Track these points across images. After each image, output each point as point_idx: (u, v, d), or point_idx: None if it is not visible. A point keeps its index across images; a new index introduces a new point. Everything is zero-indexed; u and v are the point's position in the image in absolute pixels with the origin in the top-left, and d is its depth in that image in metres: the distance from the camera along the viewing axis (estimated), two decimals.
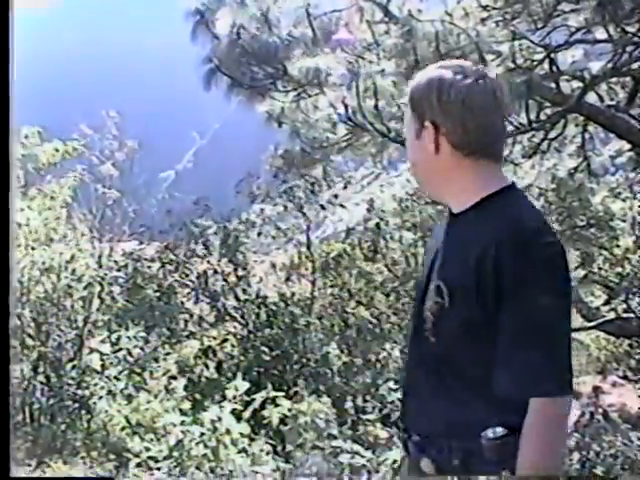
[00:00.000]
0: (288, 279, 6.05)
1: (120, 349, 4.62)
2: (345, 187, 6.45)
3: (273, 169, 6.28)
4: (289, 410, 3.47)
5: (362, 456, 3.04)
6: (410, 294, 5.24)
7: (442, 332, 1.20)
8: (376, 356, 4.97)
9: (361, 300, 5.78)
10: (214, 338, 5.22)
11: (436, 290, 1.20)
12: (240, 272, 5.71)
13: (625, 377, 7.13)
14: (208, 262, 5.69)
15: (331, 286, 6.02)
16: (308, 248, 6.26)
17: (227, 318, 5.57)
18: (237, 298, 5.66)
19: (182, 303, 5.59)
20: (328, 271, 6.07)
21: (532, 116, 4.18)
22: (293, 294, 5.84)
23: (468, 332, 1.16)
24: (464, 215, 1.25)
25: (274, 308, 5.54)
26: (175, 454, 3.13)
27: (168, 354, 4.96)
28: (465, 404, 1.18)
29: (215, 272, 5.67)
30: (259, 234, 6.24)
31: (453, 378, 1.19)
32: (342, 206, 6.55)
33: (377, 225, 5.94)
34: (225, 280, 5.65)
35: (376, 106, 4.18)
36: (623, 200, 6.33)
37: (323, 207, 6.35)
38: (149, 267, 5.65)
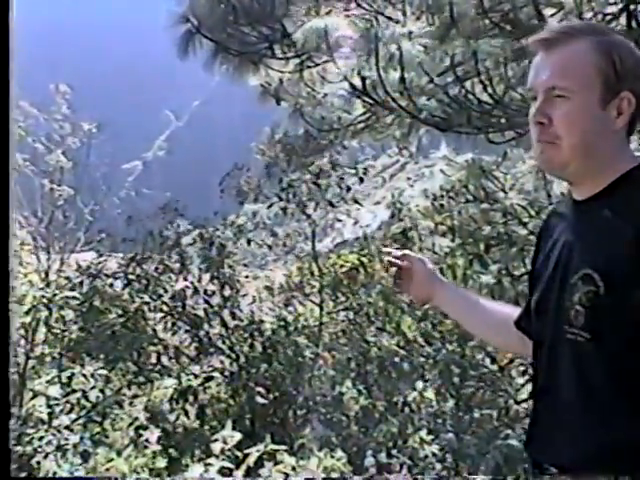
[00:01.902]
0: (289, 300, 6.10)
1: (73, 391, 4.63)
2: (362, 181, 6.48)
3: (269, 159, 6.35)
4: (293, 469, 3.48)
5: None
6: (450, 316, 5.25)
7: (601, 324, 1.26)
8: (404, 398, 4.97)
9: (384, 326, 5.77)
10: (195, 376, 5.22)
11: (585, 279, 1.28)
12: (227, 291, 5.74)
13: None
14: (186, 279, 5.73)
15: (345, 309, 6.04)
16: (315, 260, 6.32)
17: (212, 350, 5.61)
18: (224, 325, 5.70)
19: (154, 331, 5.63)
20: (340, 289, 6.09)
21: None
22: (296, 319, 5.89)
23: (635, 324, 1.22)
24: (602, 196, 1.38)
25: (272, 337, 5.58)
26: None
27: (136, 397, 4.98)
28: (632, 426, 1.21)
29: (195, 292, 5.71)
30: (250, 242, 6.31)
31: (615, 389, 1.23)
32: (357, 203, 6.62)
33: (403, 231, 5.98)
34: (208, 302, 5.68)
35: (402, 78, 4.19)
36: None
37: (332, 204, 6.44)
38: (111, 285, 5.68)
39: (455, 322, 5.27)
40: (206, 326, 5.68)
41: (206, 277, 5.77)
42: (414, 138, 5.28)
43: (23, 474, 3.99)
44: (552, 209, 1.66)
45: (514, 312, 1.71)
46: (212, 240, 5.87)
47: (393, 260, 1.87)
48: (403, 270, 1.88)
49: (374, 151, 7.28)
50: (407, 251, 1.98)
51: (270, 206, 6.44)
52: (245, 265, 6.31)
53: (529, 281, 1.58)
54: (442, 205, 5.74)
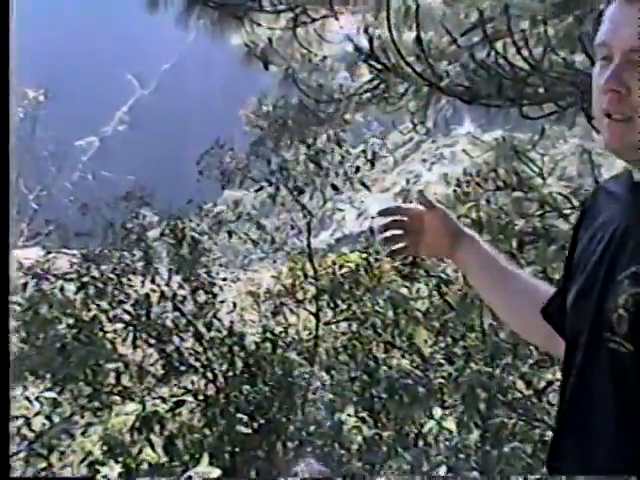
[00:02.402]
0: (278, 308, 6.10)
1: (15, 418, 4.62)
2: (371, 163, 6.51)
3: (255, 135, 6.34)
4: None
5: None
6: (475, 328, 5.26)
7: None
8: (418, 429, 4.97)
9: (394, 340, 5.77)
10: (163, 400, 5.22)
11: (634, 278, 1.27)
12: (202, 297, 5.75)
13: None
14: (152, 281, 5.73)
15: (346, 319, 6.02)
16: (310, 259, 6.30)
17: (183, 369, 5.60)
18: (198, 338, 5.69)
19: (112, 345, 5.60)
20: (341, 295, 6.08)
21: None
22: (286, 331, 5.87)
23: None
24: None
25: (257, 353, 5.57)
26: None
27: (90, 425, 4.97)
28: None
29: (163, 297, 5.69)
30: (231, 236, 6.31)
31: None
32: (364, 186, 6.63)
33: None
34: (179, 310, 5.67)
35: (418, 38, 4.17)
36: None
37: (336, 188, 6.47)
38: (61, 289, 5.65)
39: (480, 336, 5.33)
40: (176, 339, 5.68)
41: (177, 279, 5.76)
42: (432, 111, 5.25)
43: None
44: (600, 185, 1.62)
45: (548, 292, 1.68)
46: (184, 234, 5.84)
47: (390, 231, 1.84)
48: (408, 227, 1.83)
49: (383, 127, 7.28)
50: (411, 205, 1.92)
51: (258, 191, 6.44)
52: (224, 266, 6.28)
53: (565, 269, 1.55)
54: (466, 194, 5.73)
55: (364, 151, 6.49)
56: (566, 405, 1.44)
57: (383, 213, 1.87)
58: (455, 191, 5.86)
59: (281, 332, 5.84)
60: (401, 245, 1.86)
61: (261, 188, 6.44)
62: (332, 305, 6.15)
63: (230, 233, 6.37)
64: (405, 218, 1.85)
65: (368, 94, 5.14)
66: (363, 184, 6.64)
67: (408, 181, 6.73)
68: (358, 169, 6.51)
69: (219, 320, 5.76)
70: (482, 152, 6.11)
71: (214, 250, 6.19)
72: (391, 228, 1.86)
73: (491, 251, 1.84)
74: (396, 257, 1.92)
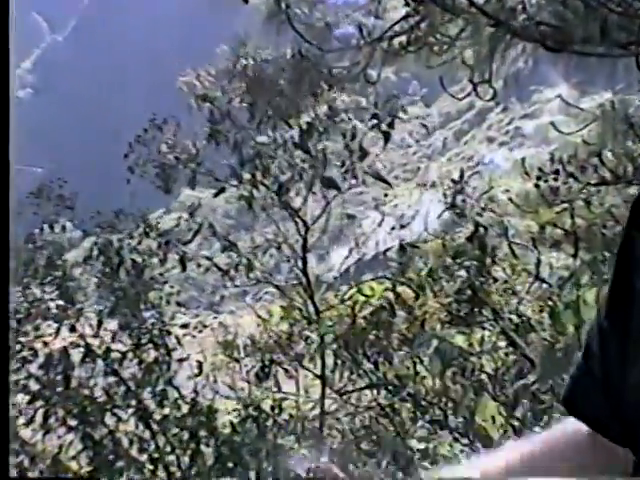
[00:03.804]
0: (266, 369, 6.08)
1: None
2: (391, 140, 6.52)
3: (219, 104, 6.45)
4: None
5: None
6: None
7: None
8: None
9: (444, 420, 5.85)
10: None
11: None
12: (151, 354, 5.80)
13: None
14: (72, 330, 5.74)
15: (369, 386, 6.11)
16: (310, 296, 6.44)
17: (120, 464, 5.58)
18: (144, 417, 5.74)
19: (13, 427, 5.58)
20: (361, 349, 6.08)
21: None
22: (278, 405, 5.92)
23: None
24: None
25: (233, 438, 5.62)
26: None
27: None
28: None
29: (89, 353, 5.71)
30: (183, 261, 6.33)
31: None
32: (384, 181, 6.77)
33: (477, 237, 6.03)
34: (115, 373, 5.71)
35: None
36: None
37: (336, 187, 6.52)
38: None
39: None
40: (110, 419, 5.70)
41: (111, 327, 5.79)
42: (500, 64, 5.29)
43: None
44: None
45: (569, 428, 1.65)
46: (121, 257, 5.89)
47: None
48: None
49: (425, 88, 7.28)
50: None
51: (219, 193, 6.54)
52: (184, 304, 6.37)
53: (607, 314, 1.52)
54: (554, 190, 5.75)
55: (388, 125, 6.46)
56: None
57: None
58: (538, 186, 5.85)
59: (271, 406, 5.86)
60: None
61: (222, 189, 6.52)
62: (347, 364, 6.15)
63: (183, 258, 6.35)
64: None
65: (401, 38, 5.19)
66: (381, 178, 6.73)
67: (462, 173, 6.61)
68: (377, 155, 6.59)
69: (176, 389, 5.81)
70: (579, 126, 6.10)
71: (166, 280, 6.18)
72: None
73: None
74: None
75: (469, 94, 5.93)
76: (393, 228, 7.34)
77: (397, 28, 5.31)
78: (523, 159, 6.34)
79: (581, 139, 5.93)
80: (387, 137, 6.53)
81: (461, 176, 6.55)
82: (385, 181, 6.91)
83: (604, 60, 4.71)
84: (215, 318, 6.57)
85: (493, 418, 5.81)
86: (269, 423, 5.77)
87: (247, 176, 6.44)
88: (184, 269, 6.36)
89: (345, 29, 5.58)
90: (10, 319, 5.68)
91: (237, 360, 6.23)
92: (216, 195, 6.60)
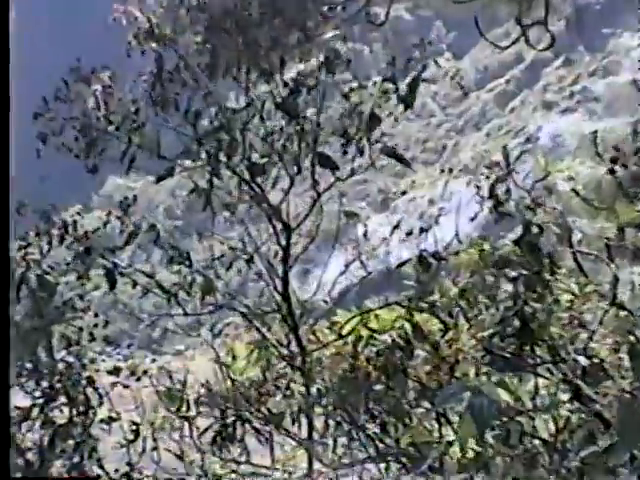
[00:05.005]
0: (229, 435, 6.02)
1: None
2: (406, 103, 6.51)
3: (174, 46, 6.45)
4: None
5: None
6: None
7: None
8: None
9: None
10: None
11: None
12: (64, 411, 5.72)
13: None
14: None
15: (375, 457, 5.97)
16: (292, 328, 6.49)
17: None
18: None
19: None
20: (364, 403, 6.10)
21: None
22: (240, 476, 6.05)
23: None
24: None
25: None
26: None
27: None
28: None
29: None
30: (112, 280, 6.28)
31: None
32: (401, 161, 7.08)
33: (531, 249, 6.03)
34: (9, 440, 5.42)
35: None
36: None
37: (333, 166, 6.67)
38: None
39: None
40: None
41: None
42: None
43: None
44: None
45: None
46: (23, 273, 5.69)
47: None
48: None
49: (453, 32, 7.31)
50: None
51: (163, 178, 6.40)
52: (110, 341, 6.32)
53: None
54: (637, 177, 5.73)
55: (413, 87, 6.45)
56: None
57: None
58: (613, 172, 5.85)
59: None
60: None
61: (170, 172, 6.47)
62: (344, 427, 6.20)
63: (110, 274, 6.33)
64: None
65: None
66: (399, 157, 6.78)
67: (507, 154, 6.57)
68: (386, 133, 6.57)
69: (99, 464, 5.79)
70: None
71: (91, 307, 6.16)
72: None
73: None
74: None
75: (516, 41, 5.89)
76: (410, 233, 7.21)
77: None
78: (594, 134, 6.30)
79: None
80: (406, 102, 6.53)
81: (505, 158, 6.52)
82: (404, 161, 6.86)
83: None
84: (155, 361, 6.50)
85: None
86: None
87: (205, 155, 6.33)
88: (112, 288, 6.25)
89: None
90: None
91: (187, 419, 6.19)
92: (159, 180, 6.41)
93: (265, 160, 6.33)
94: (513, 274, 5.99)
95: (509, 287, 6.00)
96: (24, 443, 5.90)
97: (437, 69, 6.89)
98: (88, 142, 6.48)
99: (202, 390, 6.43)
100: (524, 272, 5.90)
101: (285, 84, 6.23)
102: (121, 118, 6.41)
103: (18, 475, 5.36)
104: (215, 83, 6.30)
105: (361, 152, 6.55)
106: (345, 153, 6.49)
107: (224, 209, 6.59)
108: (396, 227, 7.61)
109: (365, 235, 7.69)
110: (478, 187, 6.58)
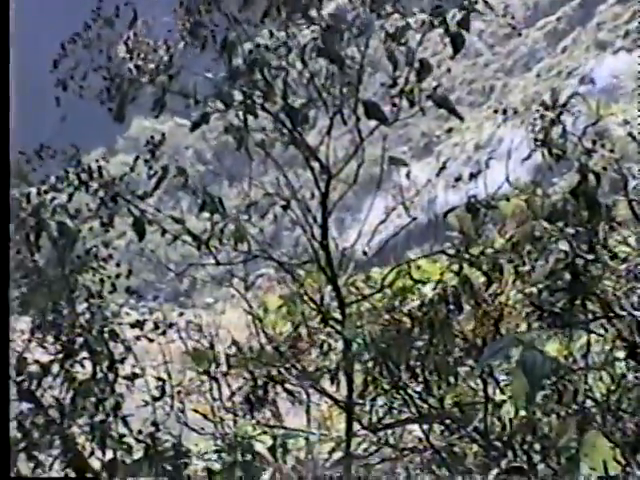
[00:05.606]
0: (258, 393, 6.01)
1: None
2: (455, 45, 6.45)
3: None
4: None
5: None
6: None
7: None
8: None
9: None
10: None
11: None
12: (86, 366, 5.69)
13: None
14: None
15: (417, 419, 6.02)
16: (330, 278, 6.34)
17: None
18: (72, 458, 5.56)
19: None
20: (400, 359, 5.95)
21: None
22: (282, 445, 5.60)
23: None
24: None
25: (212, 468, 5.41)
26: None
27: None
28: None
29: None
30: (140, 228, 6.32)
31: None
32: (452, 112, 6.92)
33: (587, 197, 5.93)
34: (30, 397, 5.53)
35: None
36: None
37: (382, 117, 6.60)
38: None
39: None
40: (24, 464, 5.60)
41: (22, 325, 5.62)
42: None
43: None
44: None
45: None
46: (40, 220, 5.58)
47: None
48: None
49: None
50: None
51: (197, 125, 6.39)
52: (135, 292, 6.18)
53: None
54: None
55: (464, 22, 6.34)
56: None
57: None
58: None
59: (269, 448, 5.69)
60: None
61: (205, 118, 6.34)
62: (384, 386, 6.10)
63: (138, 221, 6.22)
64: None
65: None
66: (448, 108, 6.71)
67: (558, 96, 6.60)
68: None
69: (124, 422, 5.73)
70: None
71: (114, 256, 6.05)
72: None
73: None
74: None
75: None
76: (458, 178, 7.16)
77: None
78: None
79: None
80: (457, 41, 6.51)
81: (556, 100, 6.50)
82: (456, 113, 6.98)
83: None
84: (182, 314, 6.39)
85: (605, 465, 5.72)
86: (265, 475, 5.62)
87: (239, 97, 6.29)
88: (141, 238, 6.25)
89: None
90: None
91: (216, 379, 6.10)
92: (194, 128, 6.41)
93: (304, 103, 6.34)
94: (567, 231, 5.96)
95: (560, 239, 6.05)
96: (43, 398, 5.86)
97: (483, 6, 6.89)
98: (119, 93, 6.53)
99: (232, 347, 6.35)
100: (579, 230, 5.86)
101: (323, 26, 6.19)
102: (155, 67, 6.49)
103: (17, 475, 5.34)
104: (248, 19, 6.27)
105: (411, 103, 6.57)
106: (394, 105, 6.55)
107: (259, 152, 6.54)
108: (442, 168, 7.62)
109: (408, 178, 7.60)
110: (533, 125, 6.61)
